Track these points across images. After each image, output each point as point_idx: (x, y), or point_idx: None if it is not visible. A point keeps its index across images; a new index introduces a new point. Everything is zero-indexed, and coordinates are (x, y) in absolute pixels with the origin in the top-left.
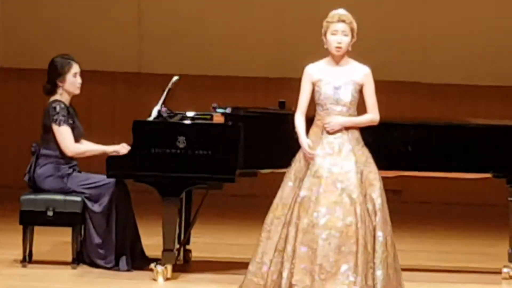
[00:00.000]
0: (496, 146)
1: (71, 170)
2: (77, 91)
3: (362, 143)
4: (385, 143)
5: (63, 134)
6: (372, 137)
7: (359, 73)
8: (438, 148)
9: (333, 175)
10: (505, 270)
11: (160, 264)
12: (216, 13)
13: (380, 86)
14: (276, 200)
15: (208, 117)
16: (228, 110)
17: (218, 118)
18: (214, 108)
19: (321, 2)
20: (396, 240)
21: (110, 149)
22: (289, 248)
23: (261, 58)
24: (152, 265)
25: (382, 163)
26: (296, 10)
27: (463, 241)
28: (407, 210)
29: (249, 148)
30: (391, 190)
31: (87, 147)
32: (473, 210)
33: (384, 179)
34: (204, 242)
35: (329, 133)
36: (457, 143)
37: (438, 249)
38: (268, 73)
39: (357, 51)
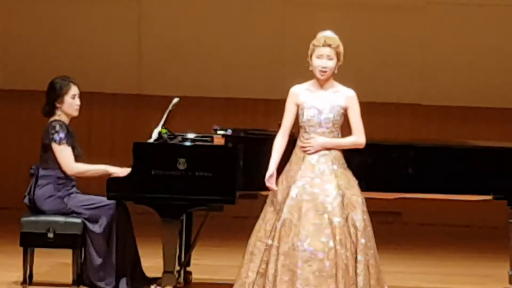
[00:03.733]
0: (496, 168)
1: (71, 190)
2: (75, 113)
3: (345, 165)
4: (385, 165)
5: (63, 153)
6: (371, 159)
7: (342, 96)
8: (438, 170)
9: (314, 197)
10: None
11: (160, 285)
12: (216, 35)
13: (380, 108)
14: (259, 222)
15: (209, 139)
16: (229, 132)
17: (218, 140)
18: (215, 130)
19: (321, 25)
20: (396, 262)
21: (112, 170)
22: (270, 271)
23: (261, 80)
24: (152, 287)
25: (382, 185)
26: (296, 33)
27: (463, 263)
28: (407, 232)
29: (249, 169)
30: (390, 212)
31: (89, 167)
32: (473, 232)
33: (384, 201)
34: (205, 264)
35: (307, 153)
36: (457, 165)
37: (438, 271)
38: (268, 95)
39: (356, 74)
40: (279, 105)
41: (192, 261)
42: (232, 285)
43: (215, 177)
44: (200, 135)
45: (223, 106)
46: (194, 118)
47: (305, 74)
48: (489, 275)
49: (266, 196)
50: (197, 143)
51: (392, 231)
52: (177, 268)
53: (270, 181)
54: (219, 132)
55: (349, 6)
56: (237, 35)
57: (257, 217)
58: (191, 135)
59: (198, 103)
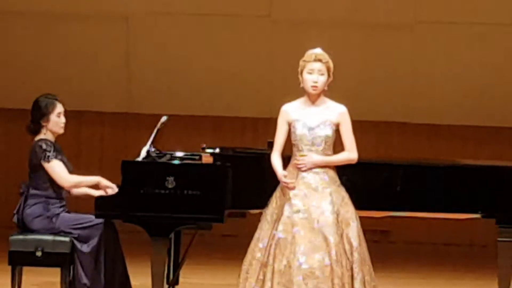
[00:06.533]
0: (484, 186)
1: (60, 210)
2: (61, 131)
3: (338, 182)
4: (373, 183)
5: (55, 168)
6: (360, 178)
7: (334, 112)
8: (427, 189)
9: (309, 215)
10: None
11: None
12: (204, 54)
13: (369, 126)
14: (254, 241)
15: (197, 157)
16: (217, 151)
17: (207, 159)
18: (203, 149)
19: (309, 43)
20: (384, 280)
21: (104, 182)
22: None
23: (249, 99)
24: None
25: (370, 203)
26: (284, 52)
27: (452, 281)
28: (395, 251)
29: (237, 188)
30: (379, 231)
31: (83, 177)
32: (462, 250)
33: (372, 220)
34: (193, 283)
35: (300, 170)
36: (445, 183)
37: None
38: (256, 114)
39: (346, 92)
40: (267, 124)
41: (181, 280)
42: None
43: (203, 195)
44: (188, 153)
45: (211, 124)
46: (183, 136)
47: (294, 92)
48: None
49: (254, 215)
50: (185, 161)
51: (380, 250)
52: (166, 286)
53: (286, 178)
54: (207, 150)
55: (338, 25)
56: (226, 54)
57: (246, 236)
58: (179, 154)
59: (187, 122)
